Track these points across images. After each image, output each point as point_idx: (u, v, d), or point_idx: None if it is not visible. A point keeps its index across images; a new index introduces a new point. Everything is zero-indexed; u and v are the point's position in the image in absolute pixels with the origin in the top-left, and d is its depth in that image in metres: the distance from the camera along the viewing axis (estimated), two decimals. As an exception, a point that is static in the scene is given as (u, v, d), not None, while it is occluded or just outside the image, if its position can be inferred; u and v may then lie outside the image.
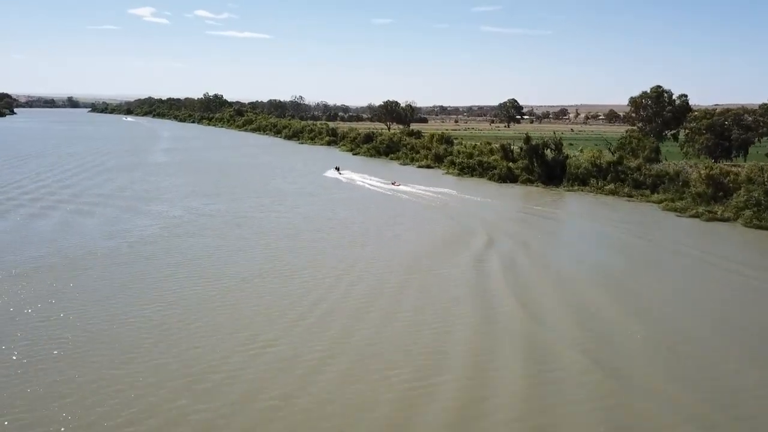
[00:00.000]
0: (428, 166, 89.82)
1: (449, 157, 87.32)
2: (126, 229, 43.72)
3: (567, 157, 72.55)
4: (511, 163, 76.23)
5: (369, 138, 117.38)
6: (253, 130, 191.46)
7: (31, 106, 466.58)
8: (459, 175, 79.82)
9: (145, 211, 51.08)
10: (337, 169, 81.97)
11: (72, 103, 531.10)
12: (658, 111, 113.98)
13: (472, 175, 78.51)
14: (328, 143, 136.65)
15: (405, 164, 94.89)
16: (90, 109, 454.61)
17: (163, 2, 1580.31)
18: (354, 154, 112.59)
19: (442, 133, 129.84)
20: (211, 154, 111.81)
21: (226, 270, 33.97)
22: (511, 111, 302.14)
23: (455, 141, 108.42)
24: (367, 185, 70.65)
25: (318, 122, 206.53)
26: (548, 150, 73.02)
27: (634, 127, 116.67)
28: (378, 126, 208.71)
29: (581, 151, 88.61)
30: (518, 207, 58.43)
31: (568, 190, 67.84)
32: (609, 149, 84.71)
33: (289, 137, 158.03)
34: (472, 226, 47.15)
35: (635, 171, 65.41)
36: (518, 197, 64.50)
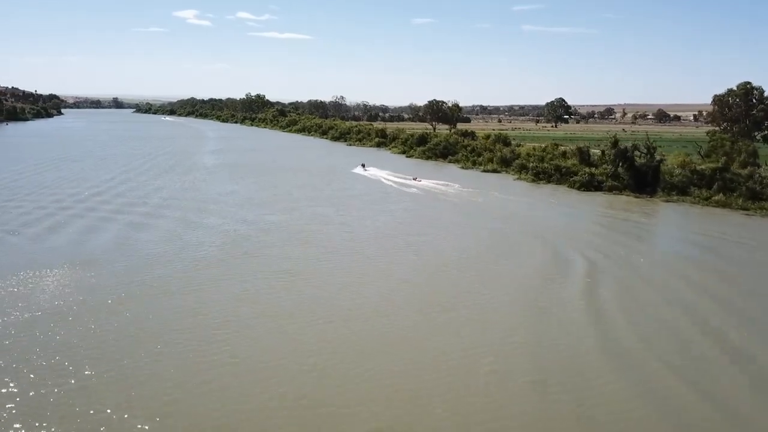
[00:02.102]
0: (494, 171, 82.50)
1: (518, 161, 79.86)
2: (178, 249, 38.10)
3: (661, 162, 64.33)
4: (593, 169, 68.42)
5: (423, 139, 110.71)
6: (298, 131, 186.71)
7: (78, 107, 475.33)
8: (533, 181, 72.32)
9: (198, 224, 45.55)
10: (363, 165, 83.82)
11: (117, 103, 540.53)
12: (747, 110, 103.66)
13: (549, 182, 70.96)
14: (378, 145, 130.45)
15: (466, 168, 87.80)
16: (134, 109, 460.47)
17: (206, 4, 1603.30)
18: (408, 157, 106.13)
19: (499, 133, 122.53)
20: (258, 156, 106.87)
21: (299, 310, 27.85)
22: (558, 111, 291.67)
23: (511, 142, 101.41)
24: (420, 187, 65.16)
25: (363, 123, 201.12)
26: (637, 154, 64.98)
27: (717, 128, 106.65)
28: (421, 126, 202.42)
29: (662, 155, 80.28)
30: (626, 221, 50.72)
31: (666, 200, 59.75)
32: (699, 153, 76.29)
33: (336, 138, 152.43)
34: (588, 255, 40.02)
35: (748, 179, 56.97)
36: (614, 208, 56.74)
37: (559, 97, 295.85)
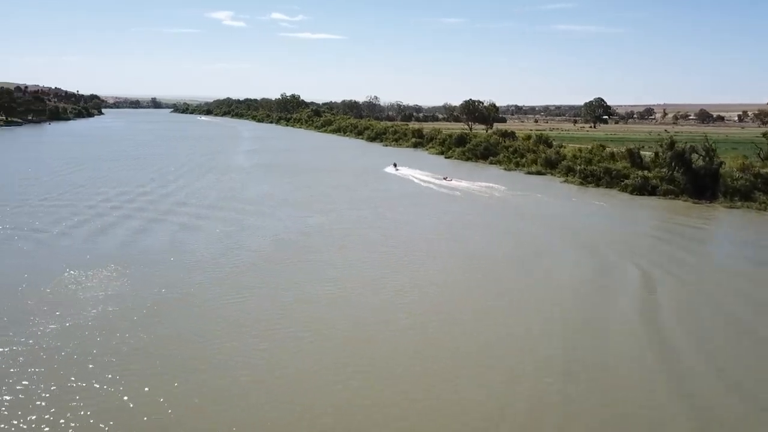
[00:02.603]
0: (539, 173, 79.48)
1: (564, 163, 76.67)
2: (218, 254, 36.57)
3: (721, 165, 60.56)
4: (646, 172, 64.97)
5: (462, 140, 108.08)
6: (333, 131, 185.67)
7: (117, 107, 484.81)
8: (581, 184, 69.17)
9: (238, 228, 44.06)
10: (395, 165, 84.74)
11: (155, 104, 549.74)
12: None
13: (598, 185, 67.70)
14: (415, 145, 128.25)
15: (509, 170, 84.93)
16: (172, 109, 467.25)
17: (241, 6, 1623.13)
18: (446, 158, 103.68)
19: (540, 133, 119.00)
20: (294, 157, 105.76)
21: (349, 321, 25.89)
22: (597, 111, 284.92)
23: (552, 143, 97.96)
24: (463, 188, 62.80)
25: (399, 123, 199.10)
26: (695, 156, 61.34)
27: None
28: (456, 126, 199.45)
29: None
30: (688, 228, 47.46)
31: (729, 206, 56.06)
32: (758, 155, 72.05)
33: (371, 139, 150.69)
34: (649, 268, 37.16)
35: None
36: (674, 214, 53.38)
37: (597, 97, 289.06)
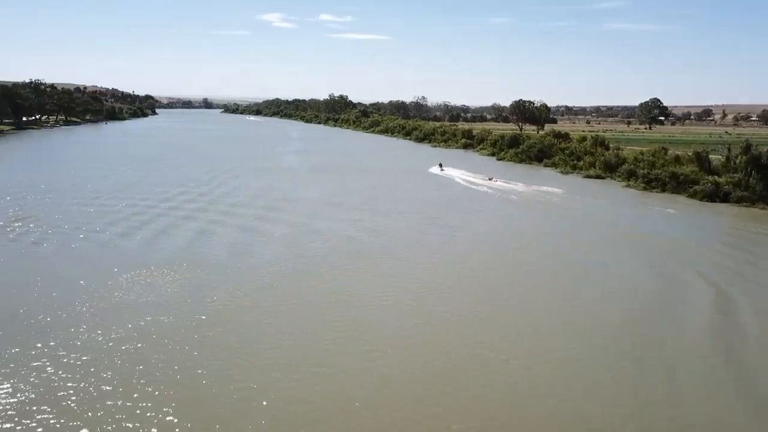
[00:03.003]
0: (598, 177, 76.15)
1: (625, 166, 73.15)
2: (265, 261, 35.54)
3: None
4: (716, 177, 61.17)
5: (515, 141, 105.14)
6: (380, 132, 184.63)
7: (171, 107, 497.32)
8: (645, 189, 65.74)
9: (297, 229, 43.09)
10: (440, 165, 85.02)
11: (207, 104, 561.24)
12: None
13: (663, 190, 64.14)
14: (464, 146, 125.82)
15: (565, 173, 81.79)
16: (222, 110, 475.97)
17: (290, 8, 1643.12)
18: (498, 159, 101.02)
19: (596, 135, 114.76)
20: (343, 157, 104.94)
21: (422, 339, 24.28)
22: (653, 111, 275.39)
23: (609, 145, 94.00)
24: (515, 189, 60.24)
25: (447, 123, 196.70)
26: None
27: None
28: (506, 127, 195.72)
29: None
30: None
31: (814, 216, 52.04)
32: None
33: (420, 140, 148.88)
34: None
35: None
36: (756, 222, 49.93)
37: (653, 97, 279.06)
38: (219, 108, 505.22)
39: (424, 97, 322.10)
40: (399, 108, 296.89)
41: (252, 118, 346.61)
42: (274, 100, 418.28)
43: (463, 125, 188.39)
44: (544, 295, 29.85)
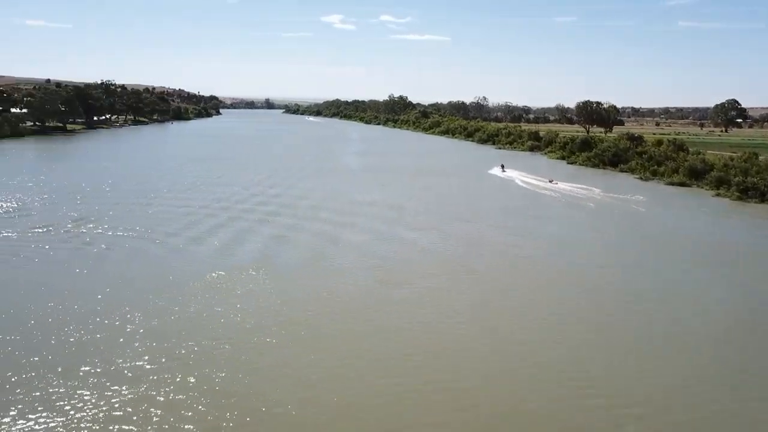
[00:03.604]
0: (682, 184, 70.52)
1: (713, 173, 67.33)
2: (344, 268, 33.22)
3: None
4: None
5: (587, 144, 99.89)
6: (441, 133, 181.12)
7: (234, 107, 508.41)
8: (739, 199, 60.09)
9: (372, 236, 40.79)
10: (502, 167, 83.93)
11: (269, 104, 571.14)
12: None
13: (763, 200, 58.37)
14: (531, 149, 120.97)
15: (645, 179, 76.35)
16: (284, 110, 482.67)
17: (351, 9, 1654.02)
18: (569, 163, 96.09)
19: (674, 138, 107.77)
20: (404, 159, 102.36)
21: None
22: (729, 113, 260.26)
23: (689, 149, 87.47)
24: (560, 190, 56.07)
25: (511, 124, 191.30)
26: None
27: None
28: (571, 129, 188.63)
29: None
30: None
31: None
32: None
33: (483, 141, 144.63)
34: None
35: None
36: None
37: (730, 98, 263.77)
38: (280, 108, 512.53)
39: (484, 98, 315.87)
40: (459, 109, 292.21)
41: (311, 118, 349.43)
42: (333, 101, 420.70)
43: (525, 126, 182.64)
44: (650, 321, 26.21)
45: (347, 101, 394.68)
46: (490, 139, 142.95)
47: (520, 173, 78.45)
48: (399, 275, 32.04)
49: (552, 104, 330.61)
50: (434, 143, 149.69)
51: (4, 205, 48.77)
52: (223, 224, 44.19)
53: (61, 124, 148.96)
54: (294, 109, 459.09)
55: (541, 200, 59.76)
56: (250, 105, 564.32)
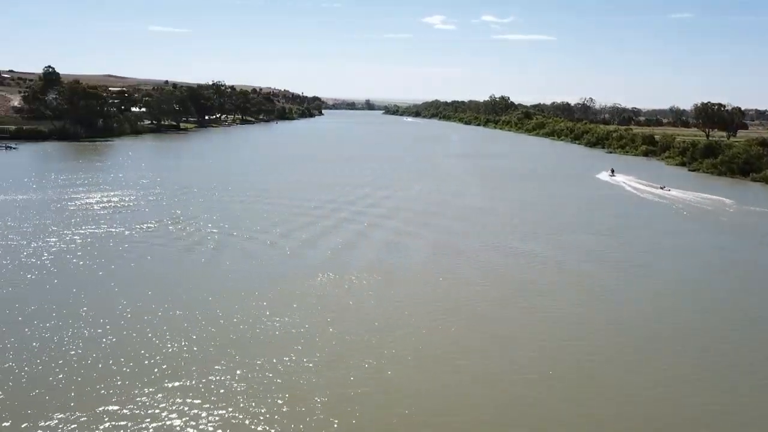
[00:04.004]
0: (834, 198, 62.26)
1: None
2: (467, 279, 31.04)
3: None
4: None
5: (711, 150, 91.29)
6: (545, 135, 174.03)
7: (335, 108, 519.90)
8: None
9: (463, 242, 38.43)
10: (612, 171, 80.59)
11: (369, 105, 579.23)
12: None
13: None
14: (645, 153, 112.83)
15: (784, 190, 68.38)
16: (383, 111, 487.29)
17: (453, 10, 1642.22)
18: (691, 170, 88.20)
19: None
20: (508, 162, 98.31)
21: None
22: None
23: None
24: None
25: (620, 127, 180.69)
26: None
27: None
28: (686, 132, 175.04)
29: None
30: None
31: None
32: None
33: (591, 144, 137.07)
34: None
35: None
36: None
37: None
38: (380, 109, 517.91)
39: (591, 99, 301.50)
40: (563, 110, 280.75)
41: (409, 119, 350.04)
42: (433, 102, 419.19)
43: (637, 129, 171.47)
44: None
45: (446, 102, 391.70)
46: (600, 142, 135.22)
47: (631, 179, 74.37)
48: (534, 295, 29.41)
49: (664, 106, 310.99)
50: (538, 146, 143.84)
51: (125, 201, 50.83)
52: (335, 226, 43.88)
53: (175, 123, 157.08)
54: (393, 110, 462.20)
55: (661, 210, 54.55)
56: (350, 106, 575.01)
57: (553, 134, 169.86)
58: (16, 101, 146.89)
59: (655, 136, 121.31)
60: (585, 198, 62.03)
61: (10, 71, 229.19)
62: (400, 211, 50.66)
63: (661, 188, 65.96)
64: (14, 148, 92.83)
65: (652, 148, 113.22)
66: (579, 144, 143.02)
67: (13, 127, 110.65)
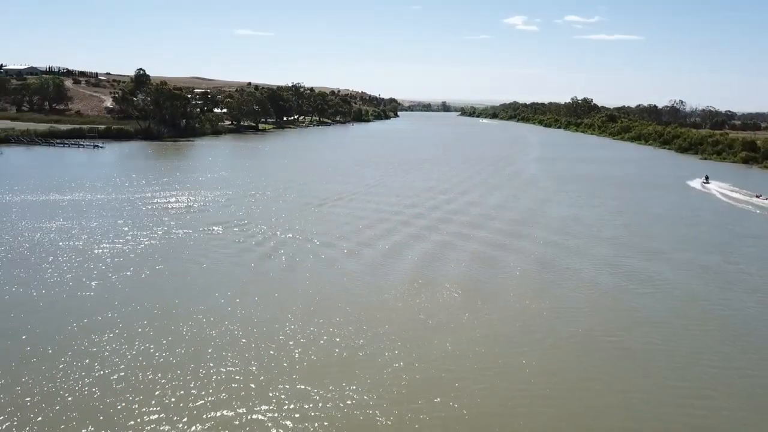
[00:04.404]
0: None
1: None
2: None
3: None
4: None
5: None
6: (631, 139, 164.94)
7: (411, 110, 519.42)
8: None
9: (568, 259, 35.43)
10: (706, 178, 76.30)
11: (445, 107, 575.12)
12: None
13: None
14: (745, 160, 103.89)
15: None
16: (459, 113, 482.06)
17: (535, 10, 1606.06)
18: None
19: None
20: (594, 167, 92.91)
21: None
22: None
23: None
24: None
25: (716, 132, 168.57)
26: None
27: None
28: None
29: None
30: None
31: None
32: None
33: (683, 150, 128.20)
34: None
35: None
36: None
37: None
38: (456, 111, 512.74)
39: (681, 101, 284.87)
40: (650, 113, 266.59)
41: (484, 121, 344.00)
42: (511, 104, 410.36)
43: (733, 134, 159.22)
44: None
45: (525, 103, 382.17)
46: (692, 147, 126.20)
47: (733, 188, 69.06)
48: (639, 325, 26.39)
49: (762, 109, 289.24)
50: (624, 150, 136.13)
51: (218, 200, 51.14)
52: (417, 235, 42.07)
53: (253, 124, 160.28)
54: (470, 112, 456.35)
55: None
56: (426, 107, 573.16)
57: (639, 138, 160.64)
58: (108, 102, 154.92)
59: (757, 142, 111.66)
60: (686, 213, 57.05)
61: (107, 74, 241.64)
62: (487, 220, 48.03)
63: (757, 197, 61.34)
64: (101, 147, 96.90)
65: (753, 155, 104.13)
66: (669, 149, 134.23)
67: (102, 127, 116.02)
